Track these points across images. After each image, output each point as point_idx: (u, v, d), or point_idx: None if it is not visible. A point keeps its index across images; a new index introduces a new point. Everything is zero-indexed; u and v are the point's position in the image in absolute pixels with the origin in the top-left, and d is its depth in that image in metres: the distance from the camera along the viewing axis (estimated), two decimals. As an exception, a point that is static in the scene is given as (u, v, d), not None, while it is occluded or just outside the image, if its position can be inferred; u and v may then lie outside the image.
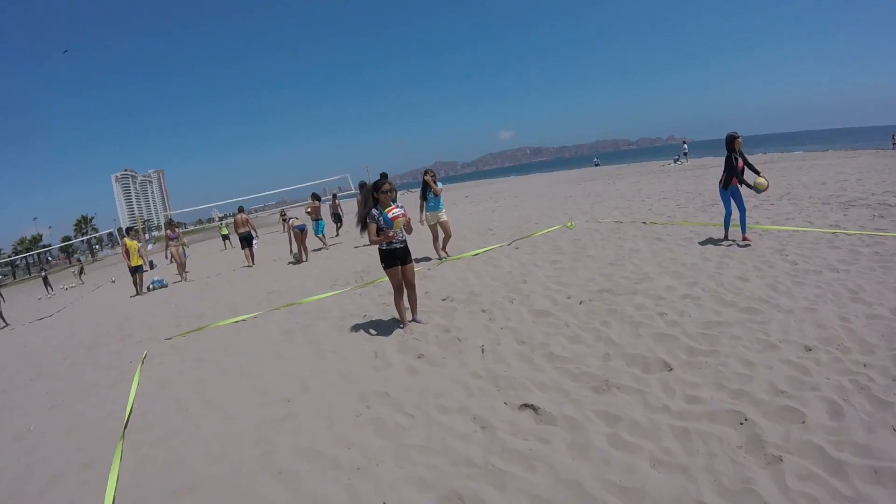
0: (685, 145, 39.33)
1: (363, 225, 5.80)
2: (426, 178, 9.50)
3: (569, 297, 6.26)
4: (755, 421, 3.31)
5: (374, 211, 5.63)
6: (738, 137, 7.89)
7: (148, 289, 14.53)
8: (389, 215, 5.49)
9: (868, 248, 6.84)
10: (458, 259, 9.51)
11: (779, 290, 5.63)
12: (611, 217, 12.27)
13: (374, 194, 5.74)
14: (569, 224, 11.72)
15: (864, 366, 3.86)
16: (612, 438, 3.36)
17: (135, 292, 14.10)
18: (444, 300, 6.93)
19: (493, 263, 8.71)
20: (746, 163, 8.03)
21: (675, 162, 37.16)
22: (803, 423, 3.26)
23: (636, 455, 3.16)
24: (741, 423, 3.32)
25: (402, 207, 5.64)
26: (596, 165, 56.14)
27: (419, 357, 5.15)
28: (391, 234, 5.60)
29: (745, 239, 7.91)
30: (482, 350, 5.07)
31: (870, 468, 2.80)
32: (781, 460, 2.94)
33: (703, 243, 8.20)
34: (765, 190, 7.98)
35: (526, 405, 3.90)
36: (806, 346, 4.24)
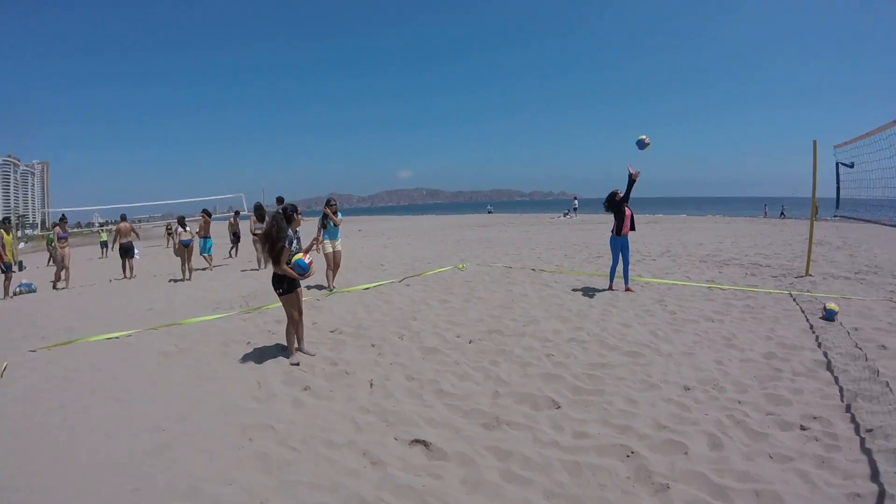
0: (576, 200, 41.67)
1: (275, 249, 5.46)
2: (326, 209, 9.60)
3: (458, 336, 6.30)
4: (641, 453, 3.44)
5: (291, 233, 5.54)
6: (619, 192, 8.30)
7: (15, 293, 12.78)
8: (306, 260, 5.50)
9: (741, 302, 7.53)
10: (347, 292, 9.32)
11: (659, 337, 5.99)
12: (501, 262, 12.67)
13: (295, 215, 5.67)
14: (460, 266, 11.93)
15: (740, 402, 4.18)
16: (505, 473, 3.33)
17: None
18: (332, 332, 6.72)
19: (383, 299, 8.62)
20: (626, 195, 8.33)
21: (564, 216, 39.30)
22: (686, 454, 3.43)
23: (529, 489, 3.14)
24: (628, 456, 3.43)
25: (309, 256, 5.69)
26: (489, 213, 58.21)
27: (305, 389, 4.91)
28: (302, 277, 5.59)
29: (627, 289, 8.42)
30: (371, 385, 4.93)
31: (752, 491, 3.00)
32: (668, 488, 3.06)
33: (588, 292, 8.62)
34: (647, 145, 8.05)
35: (417, 441, 3.80)
36: (685, 386, 4.52)
